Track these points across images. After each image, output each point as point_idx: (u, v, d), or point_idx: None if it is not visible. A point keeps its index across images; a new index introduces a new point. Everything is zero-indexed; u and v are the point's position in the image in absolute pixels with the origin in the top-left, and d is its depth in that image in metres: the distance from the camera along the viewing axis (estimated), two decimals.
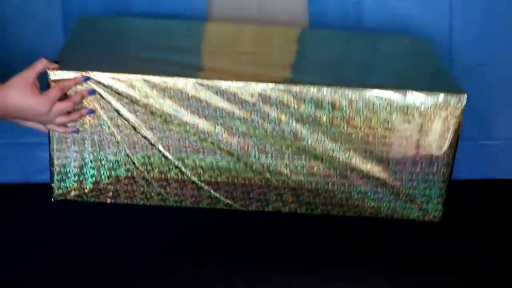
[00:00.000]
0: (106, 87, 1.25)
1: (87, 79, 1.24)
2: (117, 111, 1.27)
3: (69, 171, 1.31)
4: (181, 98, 1.27)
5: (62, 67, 1.24)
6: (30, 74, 1.20)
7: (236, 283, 1.35)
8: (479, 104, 1.61)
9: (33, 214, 1.48)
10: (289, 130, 1.30)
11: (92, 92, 1.25)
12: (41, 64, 1.22)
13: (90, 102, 1.26)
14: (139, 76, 1.25)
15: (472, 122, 1.60)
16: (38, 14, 1.54)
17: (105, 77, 1.25)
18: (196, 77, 1.26)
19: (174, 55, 1.34)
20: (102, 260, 1.38)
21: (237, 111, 1.28)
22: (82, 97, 1.25)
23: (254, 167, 1.32)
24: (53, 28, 1.54)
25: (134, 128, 1.28)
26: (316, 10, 1.61)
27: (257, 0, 1.60)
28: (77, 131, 1.27)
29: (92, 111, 1.26)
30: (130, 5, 1.57)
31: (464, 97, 1.29)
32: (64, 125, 1.26)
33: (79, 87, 1.24)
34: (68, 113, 1.24)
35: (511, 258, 1.43)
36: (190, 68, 1.30)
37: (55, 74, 1.23)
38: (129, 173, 1.32)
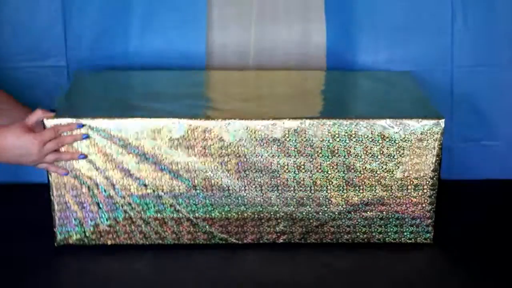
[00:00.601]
0: (99, 132, 1.31)
1: (81, 126, 1.30)
2: (111, 155, 1.33)
3: (70, 216, 1.36)
4: (171, 138, 1.32)
5: (57, 115, 1.31)
6: (25, 122, 1.29)
7: None
8: (479, 104, 1.64)
9: (28, 214, 1.50)
10: (276, 163, 1.35)
11: (86, 136, 1.31)
12: (35, 116, 1.30)
13: (84, 147, 1.32)
14: (130, 120, 1.32)
15: (472, 122, 1.65)
16: (38, 15, 1.56)
17: (97, 123, 1.31)
18: (185, 118, 1.32)
19: (165, 100, 1.41)
20: (100, 258, 1.39)
21: (225, 148, 1.33)
22: (74, 139, 1.31)
23: (245, 200, 1.37)
24: (53, 29, 1.57)
25: (128, 171, 1.34)
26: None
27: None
28: (66, 174, 1.33)
29: (85, 156, 1.32)
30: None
31: (442, 122, 1.33)
32: (56, 163, 1.32)
33: (74, 132, 1.31)
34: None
35: None
36: (181, 110, 1.36)
37: (51, 122, 1.30)
38: (127, 214, 1.37)
